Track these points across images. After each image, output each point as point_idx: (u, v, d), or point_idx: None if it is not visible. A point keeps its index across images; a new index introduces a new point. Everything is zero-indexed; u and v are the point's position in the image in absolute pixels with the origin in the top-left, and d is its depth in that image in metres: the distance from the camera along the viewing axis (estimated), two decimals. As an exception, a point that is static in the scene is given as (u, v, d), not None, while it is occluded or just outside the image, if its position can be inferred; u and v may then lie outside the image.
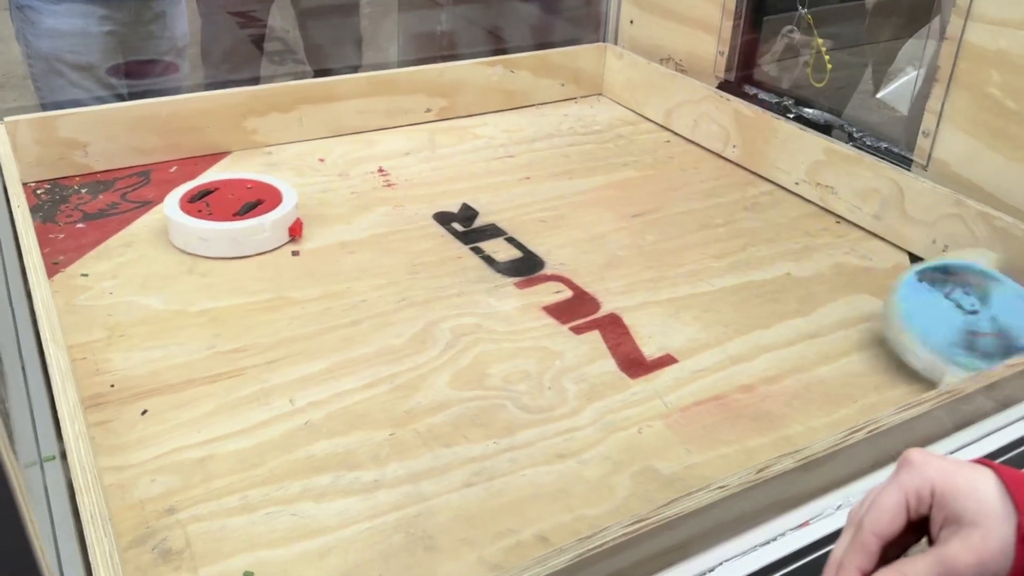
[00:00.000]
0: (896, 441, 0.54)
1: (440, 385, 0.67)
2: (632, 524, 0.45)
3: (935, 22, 1.25)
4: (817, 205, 0.95)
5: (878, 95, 1.45)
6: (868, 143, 0.92)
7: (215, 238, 0.81)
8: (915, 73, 1.67)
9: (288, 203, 0.85)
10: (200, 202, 0.85)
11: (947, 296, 0.69)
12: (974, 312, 0.68)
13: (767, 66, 1.11)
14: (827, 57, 1.02)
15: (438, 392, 0.66)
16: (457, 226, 0.90)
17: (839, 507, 0.51)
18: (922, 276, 0.71)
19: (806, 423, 0.64)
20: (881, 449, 0.53)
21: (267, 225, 0.83)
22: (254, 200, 0.85)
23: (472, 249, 0.86)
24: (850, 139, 0.94)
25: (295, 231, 0.84)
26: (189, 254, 0.82)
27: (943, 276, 0.70)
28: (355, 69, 1.60)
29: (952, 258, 0.74)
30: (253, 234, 0.82)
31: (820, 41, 1.01)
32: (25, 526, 0.27)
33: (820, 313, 0.77)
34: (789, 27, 1.08)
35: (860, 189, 0.90)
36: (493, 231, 0.89)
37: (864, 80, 1.37)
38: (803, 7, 1.04)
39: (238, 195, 0.87)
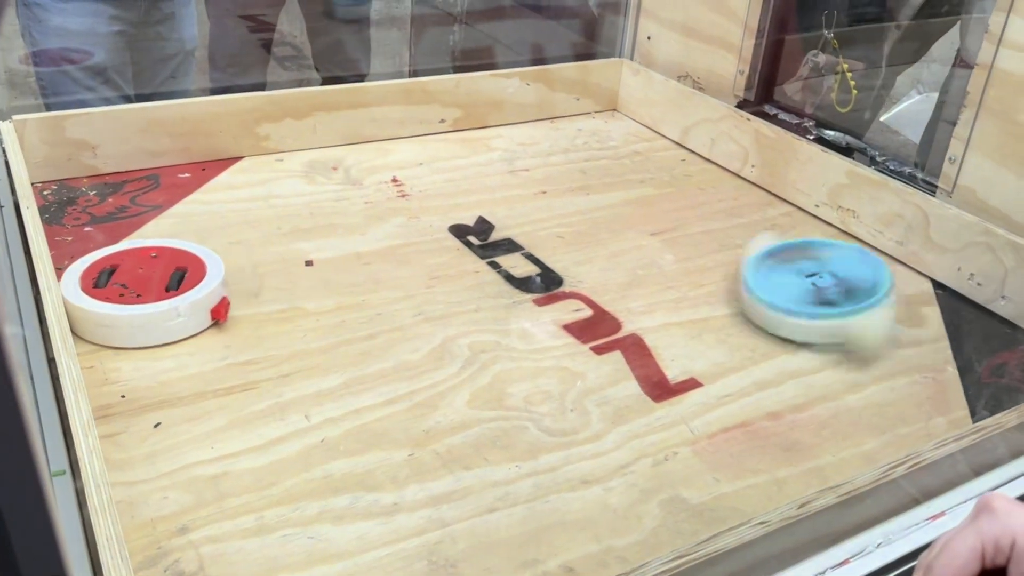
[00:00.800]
0: (935, 477, 0.52)
1: (459, 404, 0.65)
2: (673, 560, 0.43)
3: (936, 47, 1.25)
4: (838, 228, 0.94)
5: (881, 119, 1.44)
6: (892, 167, 0.91)
7: (150, 324, 0.68)
8: (919, 97, 1.67)
9: (214, 265, 0.73)
10: (115, 287, 0.70)
11: (790, 270, 0.78)
12: (812, 274, 0.77)
13: (789, 87, 1.10)
14: (852, 82, 1.01)
15: (457, 411, 0.65)
16: (473, 239, 0.88)
17: (879, 544, 0.49)
18: (768, 256, 0.79)
19: (836, 454, 0.62)
20: (922, 484, 0.52)
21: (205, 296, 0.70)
22: (177, 269, 0.72)
23: (489, 264, 0.84)
24: (872, 163, 0.93)
25: (219, 314, 0.71)
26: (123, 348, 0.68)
27: (783, 255, 0.79)
28: (363, 77, 1.59)
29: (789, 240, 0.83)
30: (202, 308, 0.70)
31: (846, 65, 1.01)
32: (61, 547, 0.25)
33: (845, 339, 0.76)
34: (814, 51, 1.07)
35: (883, 214, 0.89)
36: (510, 246, 0.88)
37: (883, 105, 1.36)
38: (828, 30, 1.04)
39: (149, 268, 0.73)
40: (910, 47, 1.21)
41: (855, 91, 1.07)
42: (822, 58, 1.08)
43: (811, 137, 0.99)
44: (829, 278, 0.77)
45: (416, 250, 0.85)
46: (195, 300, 0.70)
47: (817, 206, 0.96)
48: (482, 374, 0.68)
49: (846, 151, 0.96)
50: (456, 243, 0.87)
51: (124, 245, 0.77)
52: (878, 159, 0.93)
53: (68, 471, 0.52)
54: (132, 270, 0.73)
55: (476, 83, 1.12)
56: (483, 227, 0.90)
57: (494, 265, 0.84)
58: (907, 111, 1.57)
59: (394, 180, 0.99)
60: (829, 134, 0.99)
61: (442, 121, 1.10)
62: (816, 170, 0.95)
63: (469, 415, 0.64)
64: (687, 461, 0.62)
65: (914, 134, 1.35)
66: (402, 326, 0.73)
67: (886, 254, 0.89)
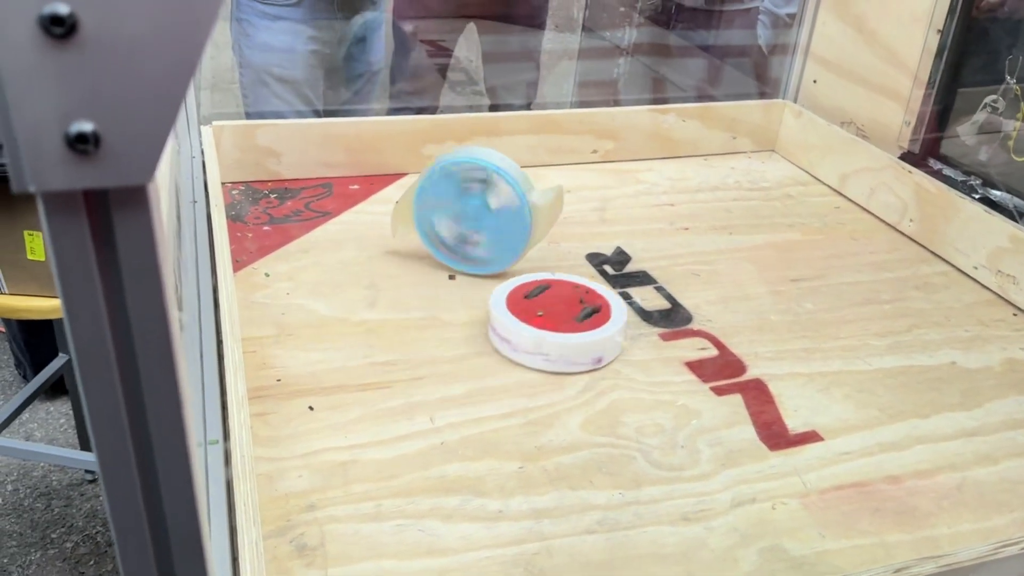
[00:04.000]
0: (1056, 565, 0.50)
1: (572, 426, 0.68)
2: (752, 603, 0.44)
3: None
4: (995, 293, 0.89)
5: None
6: (1063, 234, 0.86)
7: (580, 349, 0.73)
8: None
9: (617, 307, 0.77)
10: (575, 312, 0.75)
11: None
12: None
13: (965, 136, 1.05)
14: (1032, 132, 0.95)
15: (570, 433, 0.67)
16: (608, 268, 0.91)
17: (981, 625, 0.48)
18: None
19: (954, 526, 0.60)
20: (1037, 571, 0.49)
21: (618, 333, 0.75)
22: (589, 307, 0.77)
23: (620, 294, 0.86)
24: (1041, 228, 0.88)
25: None
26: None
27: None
28: (528, 106, 1.66)
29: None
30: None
31: (1026, 114, 0.95)
32: (199, 505, 0.30)
33: (984, 410, 0.72)
34: (993, 97, 1.02)
35: (1048, 282, 0.84)
36: (644, 278, 0.90)
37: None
38: (1011, 77, 0.98)
39: (562, 299, 0.78)
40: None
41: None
42: (1001, 104, 1.03)
43: (976, 196, 0.95)
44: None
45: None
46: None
47: (975, 268, 0.91)
48: (599, 400, 0.71)
49: (1013, 214, 0.91)
50: (591, 271, 0.90)
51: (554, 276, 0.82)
52: (1047, 225, 0.87)
53: (221, 441, 0.59)
54: (555, 298, 0.78)
55: (632, 116, 1.14)
56: (620, 257, 0.93)
57: (625, 296, 0.86)
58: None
59: (542, 205, 1.03)
60: (996, 194, 0.94)
61: (594, 152, 1.14)
62: (978, 231, 0.91)
63: (580, 438, 0.67)
64: (794, 513, 0.61)
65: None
66: (530, 345, 0.77)
67: (1046, 325, 0.84)
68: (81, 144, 0.20)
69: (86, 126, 0.20)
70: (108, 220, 0.22)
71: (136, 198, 0.22)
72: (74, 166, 0.21)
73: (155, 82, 0.21)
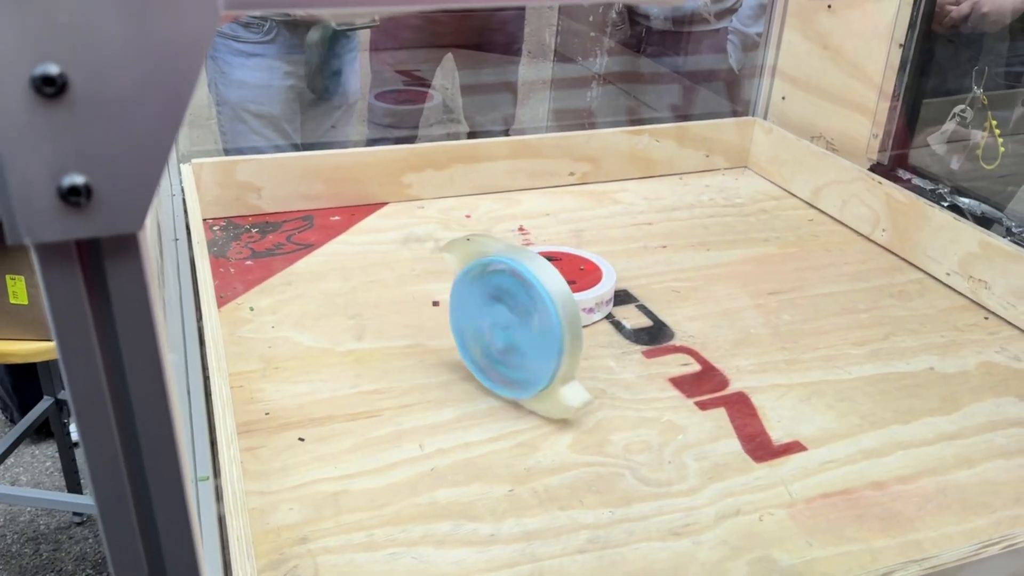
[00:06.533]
0: (1037, 562, 0.51)
1: (561, 447, 0.69)
2: (742, 614, 0.45)
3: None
4: (968, 298, 0.91)
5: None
6: (1030, 239, 0.88)
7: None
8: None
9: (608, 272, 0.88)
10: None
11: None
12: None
13: (935, 146, 1.08)
14: (1000, 140, 0.98)
15: (558, 453, 0.68)
16: (592, 290, 0.92)
17: (967, 625, 0.49)
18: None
19: (939, 529, 0.61)
20: (1017, 567, 0.50)
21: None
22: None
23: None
24: (1008, 234, 0.90)
25: None
26: None
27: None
28: (506, 132, 1.68)
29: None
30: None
31: (995, 122, 0.98)
32: (196, 541, 0.30)
33: (963, 413, 0.74)
34: (961, 107, 1.05)
35: (1017, 287, 0.86)
36: (625, 297, 0.91)
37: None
38: (978, 88, 1.01)
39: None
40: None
41: (1002, 149, 1.03)
42: (969, 114, 1.05)
43: (945, 204, 0.97)
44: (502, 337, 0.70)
45: (536, 297, 0.90)
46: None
47: (948, 274, 0.93)
48: (586, 419, 0.72)
49: (982, 221, 0.93)
50: (574, 293, 0.91)
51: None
52: (1014, 230, 0.89)
53: (211, 477, 0.60)
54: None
55: (607, 139, 1.16)
56: (602, 278, 0.94)
57: (608, 315, 0.87)
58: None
59: (520, 229, 1.04)
60: (964, 201, 0.96)
61: (571, 174, 1.15)
62: (948, 238, 0.93)
63: (569, 458, 0.68)
64: (782, 523, 0.62)
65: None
66: (515, 369, 0.78)
67: (1017, 328, 0.86)
68: (73, 196, 0.21)
69: (78, 179, 0.21)
70: (101, 268, 0.23)
71: (127, 245, 0.23)
72: (67, 217, 0.21)
73: (143, 135, 0.22)
